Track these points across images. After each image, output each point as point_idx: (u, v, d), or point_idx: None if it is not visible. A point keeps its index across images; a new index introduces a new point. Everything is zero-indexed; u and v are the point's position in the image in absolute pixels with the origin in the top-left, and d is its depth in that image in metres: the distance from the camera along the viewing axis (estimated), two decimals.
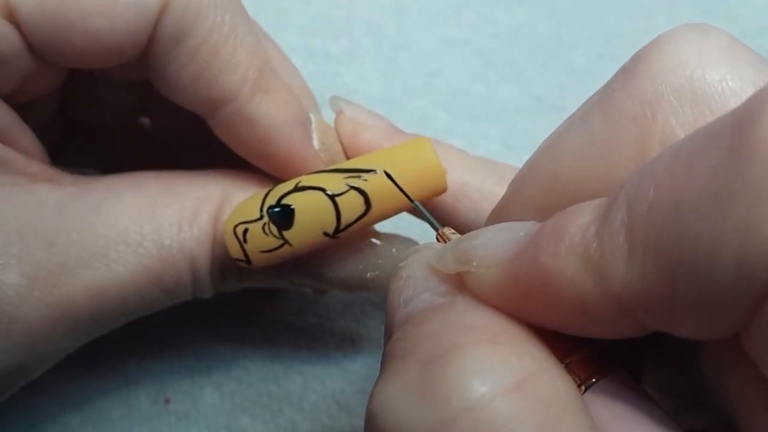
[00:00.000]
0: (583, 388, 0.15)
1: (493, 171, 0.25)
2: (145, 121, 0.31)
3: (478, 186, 0.24)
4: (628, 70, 0.17)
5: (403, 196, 0.22)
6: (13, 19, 0.20)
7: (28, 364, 0.22)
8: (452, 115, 0.38)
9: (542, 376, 0.14)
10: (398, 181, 0.22)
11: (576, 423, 0.14)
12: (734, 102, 0.13)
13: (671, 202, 0.13)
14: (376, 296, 0.32)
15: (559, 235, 0.14)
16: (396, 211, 0.23)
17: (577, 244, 0.14)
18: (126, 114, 0.29)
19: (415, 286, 0.17)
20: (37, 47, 0.21)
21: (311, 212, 0.22)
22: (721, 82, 0.15)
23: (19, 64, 0.21)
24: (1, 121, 0.22)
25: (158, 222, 0.23)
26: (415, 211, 0.23)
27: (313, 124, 0.25)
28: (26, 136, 0.23)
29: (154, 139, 0.30)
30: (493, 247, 0.16)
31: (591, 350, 0.16)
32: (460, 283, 0.16)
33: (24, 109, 0.23)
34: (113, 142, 0.31)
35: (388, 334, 0.17)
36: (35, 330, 0.21)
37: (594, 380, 0.15)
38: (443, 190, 0.23)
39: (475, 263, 0.16)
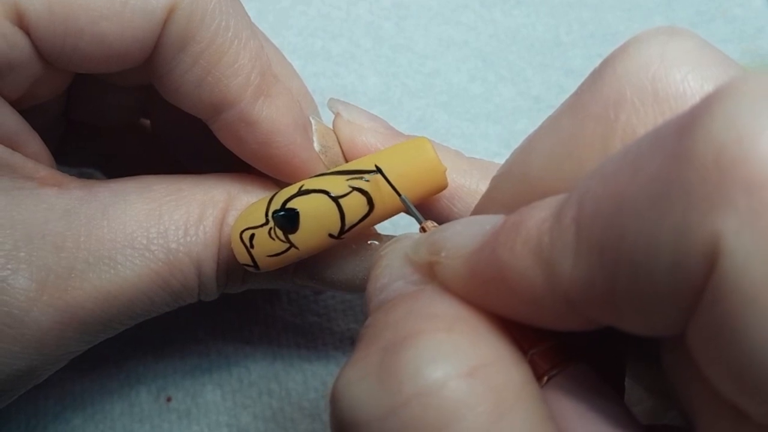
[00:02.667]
0: (545, 379, 0.16)
1: (487, 173, 0.25)
2: (147, 121, 0.31)
3: (472, 189, 0.25)
4: (596, 74, 0.17)
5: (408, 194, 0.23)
6: (23, 25, 0.21)
7: (37, 367, 0.22)
8: (451, 115, 0.38)
9: (497, 365, 0.15)
10: (399, 181, 0.22)
11: (529, 411, 0.14)
12: (694, 102, 0.13)
13: (615, 203, 0.13)
14: None
15: (517, 230, 0.15)
16: (399, 210, 0.24)
17: (532, 239, 0.14)
18: (127, 115, 0.29)
19: (391, 274, 0.18)
20: (46, 53, 0.21)
21: (316, 215, 0.23)
22: (683, 82, 0.16)
23: (28, 70, 0.21)
24: (10, 126, 0.22)
25: (165, 226, 0.23)
26: (406, 211, 0.23)
27: (314, 127, 0.25)
28: (34, 141, 0.24)
29: (155, 139, 0.30)
30: (460, 239, 0.17)
31: (556, 342, 0.16)
32: (431, 273, 0.17)
33: (28, 112, 0.23)
34: (115, 143, 0.31)
35: (365, 319, 0.17)
36: (45, 334, 0.22)
37: (555, 372, 0.16)
38: (444, 187, 0.24)
39: (443, 254, 0.17)
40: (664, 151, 0.13)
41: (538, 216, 0.15)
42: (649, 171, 0.13)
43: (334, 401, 0.15)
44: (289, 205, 0.23)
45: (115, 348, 0.30)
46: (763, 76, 0.12)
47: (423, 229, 0.20)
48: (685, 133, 0.12)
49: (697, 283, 0.12)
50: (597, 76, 0.17)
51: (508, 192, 0.19)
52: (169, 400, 0.30)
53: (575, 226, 0.14)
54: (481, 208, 0.21)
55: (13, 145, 0.23)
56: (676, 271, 0.12)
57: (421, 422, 0.14)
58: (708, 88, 0.16)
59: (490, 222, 0.16)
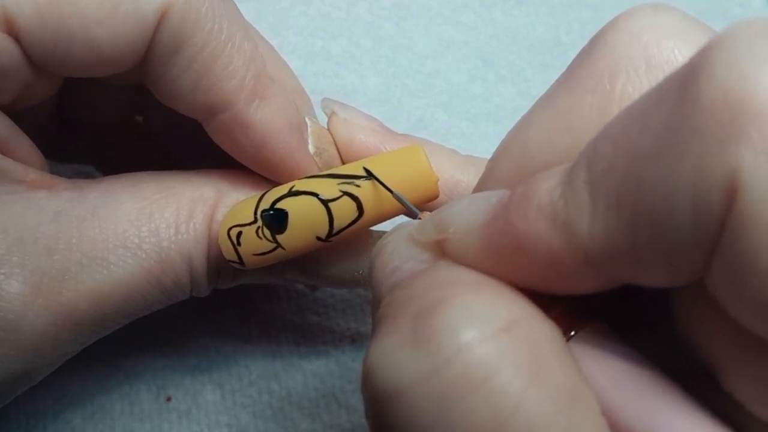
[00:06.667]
0: (565, 339, 0.16)
1: (483, 170, 0.25)
2: (139, 118, 0.31)
3: (470, 184, 0.25)
4: (587, 49, 0.18)
5: (396, 203, 0.23)
6: (13, 32, 0.20)
7: (32, 370, 0.22)
8: (451, 115, 0.38)
9: (528, 321, 0.15)
10: (391, 188, 0.22)
11: (563, 363, 0.15)
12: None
13: (627, 156, 0.13)
14: None
15: (528, 199, 0.15)
16: (388, 217, 0.24)
17: (545, 205, 0.15)
18: (120, 112, 0.29)
19: (400, 257, 0.18)
20: (36, 59, 0.21)
21: (304, 217, 0.23)
22: (673, 50, 0.16)
23: (18, 76, 0.21)
24: (0, 131, 0.22)
25: (156, 224, 0.23)
26: (409, 215, 0.23)
27: (309, 129, 0.25)
28: (24, 145, 0.24)
29: (149, 136, 0.30)
30: (468, 213, 0.17)
31: (568, 305, 0.16)
32: (441, 251, 0.17)
33: (20, 112, 0.23)
34: (108, 139, 0.31)
35: (376, 305, 0.17)
36: (40, 337, 0.22)
37: (573, 332, 0.16)
38: (435, 197, 0.24)
39: (452, 230, 0.17)
40: (671, 101, 0.13)
41: (547, 185, 0.15)
42: (658, 122, 0.13)
43: (370, 376, 0.15)
44: (279, 205, 0.23)
45: (115, 347, 0.30)
46: (751, 20, 0.13)
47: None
48: (689, 82, 0.13)
49: (717, 220, 0.12)
50: (589, 51, 0.18)
51: (508, 169, 0.19)
52: (169, 399, 0.30)
53: (588, 187, 0.14)
54: (481, 187, 0.21)
55: (2, 150, 0.23)
56: (697, 211, 0.12)
57: (464, 378, 0.14)
58: None
59: (495, 196, 0.17)
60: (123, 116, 0.30)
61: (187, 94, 0.22)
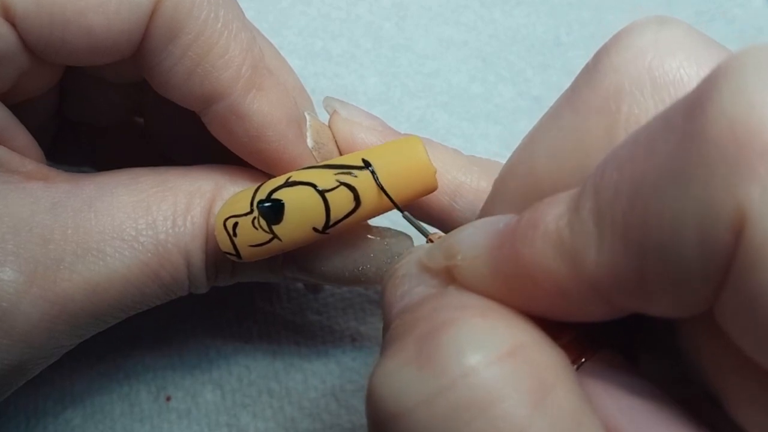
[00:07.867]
0: (575, 367, 0.16)
1: (487, 170, 0.25)
2: (140, 120, 0.31)
3: (473, 186, 0.25)
4: (591, 67, 0.17)
5: (394, 195, 0.22)
6: (9, 17, 0.21)
7: (26, 362, 0.22)
8: (451, 115, 0.38)
9: (534, 346, 0.15)
10: (389, 180, 0.22)
11: (570, 391, 0.14)
12: (692, 87, 0.13)
13: (634, 185, 0.13)
14: (375, 294, 0.32)
15: (535, 226, 0.15)
16: (386, 209, 0.23)
17: (552, 233, 0.15)
18: (120, 114, 0.29)
19: (410, 282, 0.18)
20: (33, 45, 0.21)
21: (301, 207, 0.22)
22: (679, 69, 0.16)
23: (15, 62, 0.21)
24: None
25: (153, 217, 0.23)
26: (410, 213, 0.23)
27: (308, 123, 0.25)
28: (22, 135, 0.24)
29: (147, 138, 0.30)
30: (475, 239, 0.17)
31: (578, 333, 0.16)
32: (450, 277, 0.17)
33: (22, 109, 0.23)
34: (108, 142, 0.31)
35: (386, 328, 0.17)
36: (34, 327, 0.21)
37: (583, 360, 0.16)
38: (434, 189, 0.24)
39: (460, 256, 0.17)
40: (677, 131, 0.13)
41: (555, 212, 0.15)
42: (665, 152, 0.13)
43: (373, 396, 0.15)
44: (275, 195, 0.22)
45: (114, 348, 0.30)
46: (758, 47, 0.13)
47: (430, 241, 0.20)
48: (696, 112, 0.13)
49: (725, 254, 0.12)
50: (592, 69, 0.17)
51: (515, 190, 0.19)
52: (168, 399, 0.30)
53: (595, 216, 0.14)
54: (488, 209, 0.21)
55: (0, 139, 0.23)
56: (704, 245, 0.12)
57: (469, 402, 0.14)
58: (703, 72, 0.16)
59: (502, 221, 0.16)
60: (122, 118, 0.30)
61: (183, 83, 0.22)
